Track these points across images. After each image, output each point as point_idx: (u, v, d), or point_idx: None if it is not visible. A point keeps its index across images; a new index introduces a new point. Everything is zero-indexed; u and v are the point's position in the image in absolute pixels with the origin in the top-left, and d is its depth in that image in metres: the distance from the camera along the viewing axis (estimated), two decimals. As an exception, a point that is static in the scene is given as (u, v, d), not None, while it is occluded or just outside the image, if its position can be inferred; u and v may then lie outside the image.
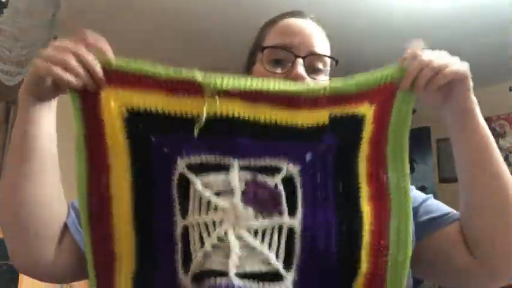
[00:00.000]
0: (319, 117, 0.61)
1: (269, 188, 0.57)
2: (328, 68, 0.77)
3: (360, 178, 0.60)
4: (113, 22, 3.22)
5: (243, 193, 0.57)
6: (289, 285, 0.54)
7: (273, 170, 0.59)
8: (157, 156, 0.59)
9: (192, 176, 0.57)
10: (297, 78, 0.69)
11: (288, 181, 0.58)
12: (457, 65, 0.65)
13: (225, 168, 0.58)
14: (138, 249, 0.57)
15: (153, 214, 0.58)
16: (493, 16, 3.03)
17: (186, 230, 0.56)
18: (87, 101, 0.60)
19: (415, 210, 0.69)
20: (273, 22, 0.80)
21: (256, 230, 0.56)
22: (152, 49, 3.71)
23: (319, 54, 0.75)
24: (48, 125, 0.65)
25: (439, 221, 0.69)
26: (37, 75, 0.60)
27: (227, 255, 0.53)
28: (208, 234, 0.55)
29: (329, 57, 0.77)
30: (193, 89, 0.60)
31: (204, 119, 0.58)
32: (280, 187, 0.58)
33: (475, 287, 0.69)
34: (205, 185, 0.57)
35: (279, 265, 0.55)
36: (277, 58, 0.74)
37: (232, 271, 0.52)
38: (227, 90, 0.59)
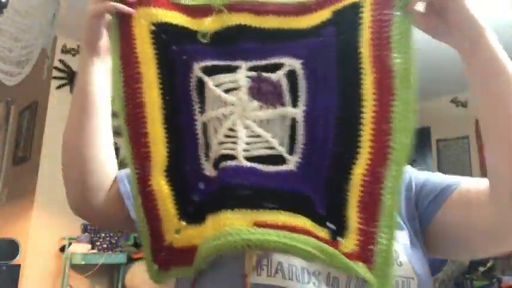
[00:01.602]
0: (322, 15, 0.65)
1: (272, 82, 0.63)
2: None
3: (362, 63, 0.60)
4: (113, 22, 3.22)
5: (249, 88, 0.64)
6: (292, 167, 0.60)
7: (277, 67, 0.64)
8: (177, 62, 0.67)
9: (205, 78, 0.65)
10: None
11: (291, 75, 0.64)
12: None
13: (234, 70, 0.65)
14: (168, 146, 0.65)
15: (178, 114, 0.66)
16: (493, 17, 3.03)
17: (204, 125, 0.65)
18: (122, 21, 0.69)
19: (416, 196, 0.68)
20: None
21: (261, 120, 0.63)
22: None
23: None
24: (103, 80, 0.73)
25: (442, 195, 0.66)
26: (96, 13, 0.68)
27: (236, 142, 0.61)
28: (221, 125, 0.63)
29: None
30: (208, 11, 0.69)
31: (207, 23, 0.68)
32: (283, 81, 0.63)
33: (506, 238, 0.62)
34: (217, 84, 0.65)
35: (282, 149, 0.61)
36: None
37: (240, 155, 0.60)
38: (235, 4, 0.68)
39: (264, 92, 0.63)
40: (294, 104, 0.63)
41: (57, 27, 2.09)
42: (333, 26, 0.64)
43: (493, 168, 0.61)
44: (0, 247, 2.91)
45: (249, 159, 0.60)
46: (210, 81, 0.65)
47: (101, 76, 0.72)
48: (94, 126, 0.72)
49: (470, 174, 4.52)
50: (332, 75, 0.62)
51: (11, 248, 2.93)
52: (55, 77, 3.40)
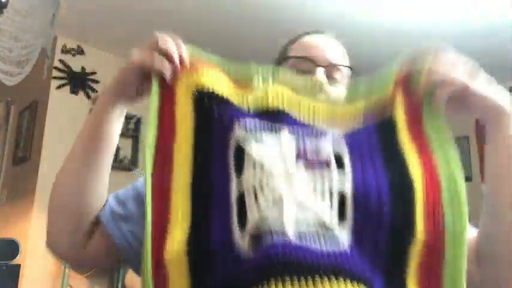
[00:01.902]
0: (356, 111, 0.67)
1: (318, 148, 0.60)
2: (345, 79, 0.81)
3: (405, 145, 0.62)
4: (113, 22, 3.22)
5: (296, 156, 0.59)
6: (345, 245, 0.54)
7: (319, 134, 0.62)
8: (217, 122, 0.63)
9: (247, 140, 0.60)
10: (317, 81, 0.75)
11: (335, 144, 0.61)
12: (456, 71, 0.63)
13: (276, 131, 0.62)
14: (194, 211, 0.59)
15: (210, 176, 0.60)
16: (493, 16, 3.03)
17: (241, 194, 0.57)
18: (165, 82, 0.66)
19: None
20: (294, 39, 0.86)
21: (309, 190, 0.57)
22: (152, 49, 3.71)
23: (339, 65, 0.80)
24: (119, 128, 0.72)
25: None
26: (139, 65, 0.65)
27: (283, 216, 0.54)
28: (264, 195, 0.56)
29: (348, 67, 0.82)
30: (250, 85, 0.68)
31: (250, 100, 0.65)
32: (329, 147, 0.60)
33: None
34: (259, 148, 0.60)
35: (334, 225, 0.55)
36: (300, 68, 0.78)
37: (289, 231, 0.53)
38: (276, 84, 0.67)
39: (310, 158, 0.58)
40: (341, 173, 0.58)
41: (57, 27, 2.09)
42: (371, 123, 0.65)
43: (493, 239, 0.63)
44: (0, 247, 2.91)
45: (297, 235, 0.54)
46: (251, 145, 0.59)
47: (116, 124, 0.70)
48: (96, 176, 0.70)
49: (471, 174, 4.52)
50: (377, 156, 0.61)
51: (11, 248, 2.93)
52: (55, 77, 3.40)
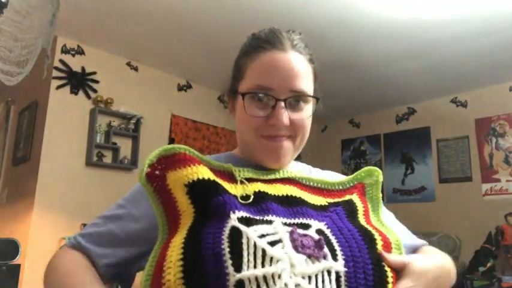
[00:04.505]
0: (321, 201, 0.76)
1: (311, 236, 0.63)
2: (310, 102, 0.79)
3: (368, 227, 0.72)
4: (112, 22, 3.22)
5: (293, 241, 0.61)
6: None
7: (305, 226, 0.66)
8: (214, 211, 0.64)
9: (244, 228, 0.61)
10: (278, 124, 0.75)
11: (320, 232, 0.65)
12: None
13: (269, 223, 0.63)
14: None
15: (203, 267, 0.58)
16: (493, 17, 3.03)
17: (241, 284, 0.56)
18: (157, 186, 0.70)
19: None
20: (253, 53, 0.80)
21: (310, 276, 0.59)
22: (152, 49, 3.71)
23: (299, 95, 0.77)
24: None
25: None
26: None
27: None
28: (267, 286, 0.56)
29: (310, 96, 0.79)
30: (230, 177, 0.73)
31: (239, 199, 0.68)
32: (319, 236, 0.64)
33: None
34: (259, 236, 0.60)
35: None
36: (259, 98, 0.76)
37: None
38: (250, 178, 0.74)
39: (307, 246, 0.61)
40: (334, 257, 0.62)
41: (57, 27, 2.09)
42: (340, 207, 0.74)
43: None
44: (0, 247, 2.91)
45: None
46: (253, 232, 0.60)
47: None
48: None
49: (470, 174, 4.53)
50: (354, 233, 0.68)
51: (11, 248, 2.93)
52: (55, 77, 3.40)
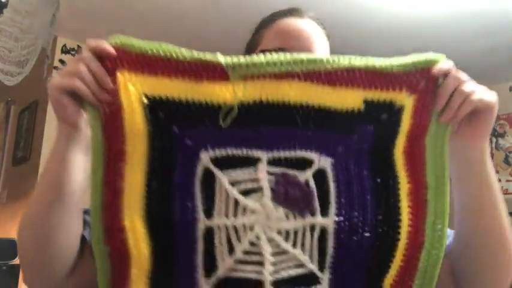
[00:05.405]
0: (353, 100, 0.55)
1: (300, 185, 0.53)
2: None
3: (398, 172, 0.56)
4: (112, 22, 3.22)
5: (273, 192, 0.53)
6: (325, 286, 0.53)
7: (304, 163, 0.54)
8: (178, 148, 0.53)
9: (217, 172, 0.53)
10: None
11: (320, 175, 0.55)
12: (483, 92, 0.61)
13: (252, 163, 0.54)
14: (152, 246, 0.53)
15: (171, 209, 0.53)
16: (493, 17, 3.03)
17: (209, 231, 0.52)
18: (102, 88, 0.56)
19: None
20: (268, 22, 0.75)
21: (288, 232, 0.53)
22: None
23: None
24: (79, 167, 0.61)
25: None
26: (57, 92, 0.56)
27: (260, 262, 0.51)
28: (238, 239, 0.52)
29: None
30: (217, 74, 0.53)
31: (236, 108, 0.52)
32: (312, 184, 0.54)
33: None
34: (232, 182, 0.53)
35: (314, 267, 0.53)
36: None
37: (268, 279, 0.50)
38: (253, 72, 0.53)
39: (291, 198, 0.53)
40: (324, 212, 0.54)
41: (57, 27, 2.09)
42: (367, 123, 0.55)
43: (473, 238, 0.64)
44: (0, 247, 2.90)
45: (277, 283, 0.51)
46: (224, 178, 0.53)
47: (80, 154, 0.59)
48: (67, 214, 0.61)
49: (470, 174, 4.51)
50: (365, 180, 0.55)
51: (11, 248, 2.93)
52: (55, 77, 3.40)
